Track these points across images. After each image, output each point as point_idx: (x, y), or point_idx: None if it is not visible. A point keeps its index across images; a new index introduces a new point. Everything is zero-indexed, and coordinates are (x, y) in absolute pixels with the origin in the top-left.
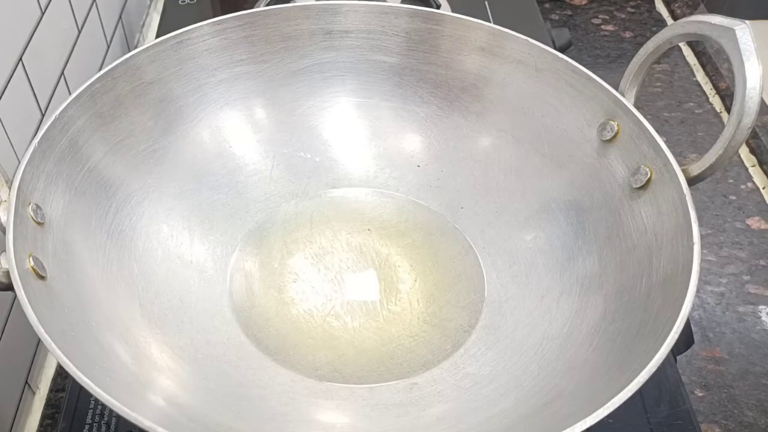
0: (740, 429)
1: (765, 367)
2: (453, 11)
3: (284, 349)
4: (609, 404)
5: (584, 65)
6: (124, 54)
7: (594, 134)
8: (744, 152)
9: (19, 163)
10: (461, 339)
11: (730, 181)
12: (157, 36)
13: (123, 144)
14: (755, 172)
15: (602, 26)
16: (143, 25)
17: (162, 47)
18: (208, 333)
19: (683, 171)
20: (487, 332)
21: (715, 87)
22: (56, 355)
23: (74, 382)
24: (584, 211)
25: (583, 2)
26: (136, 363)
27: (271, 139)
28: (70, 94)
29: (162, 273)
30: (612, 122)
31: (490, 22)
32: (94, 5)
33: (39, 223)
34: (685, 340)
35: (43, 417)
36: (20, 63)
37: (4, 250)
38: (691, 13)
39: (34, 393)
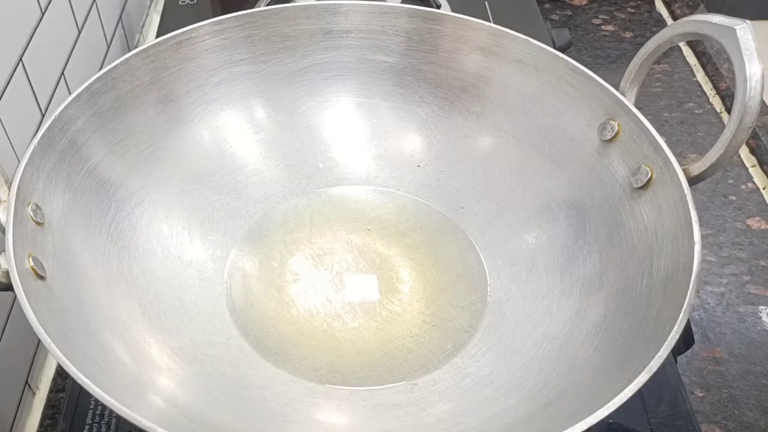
0: (740, 429)
1: (765, 368)
2: (453, 11)
3: (284, 350)
4: (609, 404)
5: (584, 65)
6: (124, 54)
7: (594, 134)
8: (744, 152)
9: (19, 163)
10: (462, 339)
11: (731, 181)
12: (157, 36)
13: (123, 144)
14: (755, 173)
15: (602, 26)
16: (143, 26)
17: (162, 47)
18: (208, 333)
19: (684, 171)
20: (488, 332)
21: (715, 87)
22: (56, 356)
23: (74, 383)
24: (585, 210)
25: (583, 2)
26: (135, 363)
27: (271, 139)
28: (70, 94)
29: (162, 273)
30: (612, 122)
31: (490, 22)
32: (94, 5)
33: (39, 223)
34: (686, 340)
35: (43, 417)
36: (20, 63)
37: (4, 250)
38: (691, 13)
39: (34, 393)
